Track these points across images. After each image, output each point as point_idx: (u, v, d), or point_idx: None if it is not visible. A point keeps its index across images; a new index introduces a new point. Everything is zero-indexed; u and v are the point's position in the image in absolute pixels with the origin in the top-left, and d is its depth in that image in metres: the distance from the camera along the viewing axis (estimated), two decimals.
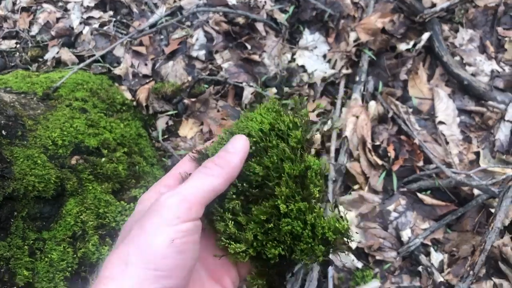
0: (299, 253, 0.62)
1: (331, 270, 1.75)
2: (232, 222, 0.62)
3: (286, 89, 2.18)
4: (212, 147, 0.68)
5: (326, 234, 0.61)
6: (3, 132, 1.36)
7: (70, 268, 1.35)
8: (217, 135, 0.70)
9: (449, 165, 1.92)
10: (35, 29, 2.49)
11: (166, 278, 0.53)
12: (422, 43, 2.13)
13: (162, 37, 2.37)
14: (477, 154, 1.98)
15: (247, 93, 2.14)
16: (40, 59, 2.40)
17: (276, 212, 0.62)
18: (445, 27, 2.22)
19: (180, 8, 2.40)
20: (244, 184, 0.64)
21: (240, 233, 0.61)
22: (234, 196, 0.64)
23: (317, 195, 0.63)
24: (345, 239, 0.63)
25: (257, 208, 0.62)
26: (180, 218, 0.54)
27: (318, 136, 2.04)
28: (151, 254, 0.52)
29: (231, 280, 0.66)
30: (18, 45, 2.46)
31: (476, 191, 1.86)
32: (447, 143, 1.99)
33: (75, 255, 1.37)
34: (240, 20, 2.29)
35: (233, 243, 0.61)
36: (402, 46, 2.16)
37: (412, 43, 2.17)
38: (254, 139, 0.65)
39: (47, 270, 1.30)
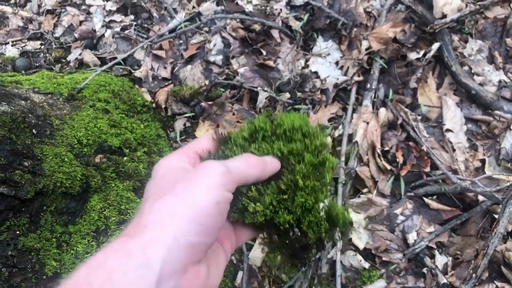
0: (306, 224, 0.70)
1: (339, 269, 1.82)
2: (254, 187, 0.70)
3: (299, 94, 2.25)
4: (235, 134, 0.78)
5: (333, 213, 0.71)
6: (34, 131, 1.44)
7: None
8: (240, 125, 0.80)
9: (455, 172, 1.97)
10: (59, 31, 2.58)
11: (205, 235, 0.58)
12: (432, 52, 2.18)
13: (181, 41, 2.44)
14: (483, 161, 2.03)
15: (262, 98, 2.21)
16: (63, 60, 2.50)
17: (293, 186, 0.71)
18: (455, 38, 2.27)
19: (199, 14, 2.47)
20: None
21: (260, 197, 0.70)
22: None
23: (329, 181, 0.74)
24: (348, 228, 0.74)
25: (276, 180, 0.72)
26: (224, 186, 0.61)
27: (329, 140, 2.11)
28: (199, 210, 0.58)
29: (230, 244, 0.73)
30: (42, 46, 2.56)
31: (480, 197, 1.90)
32: (453, 150, 2.04)
33: (98, 249, 1.45)
34: (256, 27, 2.36)
35: (252, 203, 0.69)
36: (413, 55, 2.21)
37: (422, 52, 2.21)
38: (284, 127, 0.77)
39: (73, 262, 1.38)
